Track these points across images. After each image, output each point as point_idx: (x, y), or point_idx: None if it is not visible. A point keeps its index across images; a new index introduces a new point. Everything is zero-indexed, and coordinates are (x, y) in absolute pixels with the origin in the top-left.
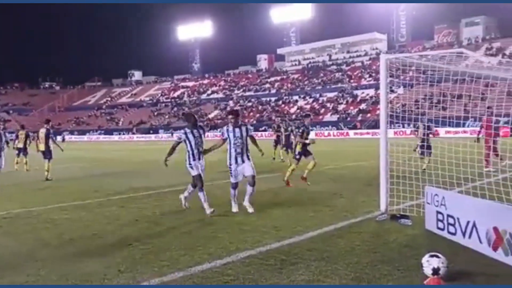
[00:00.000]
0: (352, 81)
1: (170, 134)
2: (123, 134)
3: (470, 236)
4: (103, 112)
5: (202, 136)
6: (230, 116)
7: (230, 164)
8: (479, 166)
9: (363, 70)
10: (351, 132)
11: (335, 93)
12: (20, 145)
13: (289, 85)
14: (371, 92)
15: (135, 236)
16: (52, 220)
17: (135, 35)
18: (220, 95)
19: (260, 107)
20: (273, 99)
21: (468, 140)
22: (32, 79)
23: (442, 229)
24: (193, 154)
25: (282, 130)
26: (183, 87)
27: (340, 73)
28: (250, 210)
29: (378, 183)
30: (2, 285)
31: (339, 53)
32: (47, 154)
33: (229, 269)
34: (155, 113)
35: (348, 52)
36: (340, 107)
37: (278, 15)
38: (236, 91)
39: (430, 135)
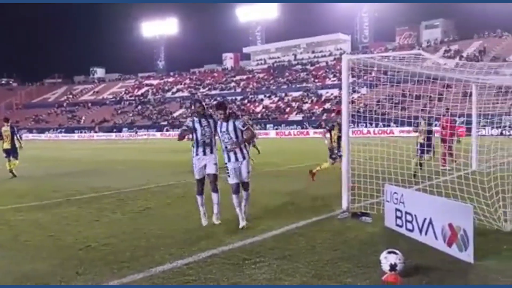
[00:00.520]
0: (316, 80)
1: (134, 133)
2: (85, 132)
3: (426, 233)
4: (64, 110)
5: (212, 127)
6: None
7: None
8: (436, 165)
9: (327, 70)
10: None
11: (300, 93)
12: None
13: (254, 84)
14: (335, 92)
15: (95, 237)
16: (6, 221)
17: (97, 31)
18: (185, 93)
19: None
20: (238, 98)
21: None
22: None
23: (401, 226)
24: (197, 148)
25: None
26: (147, 85)
27: (305, 73)
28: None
29: (340, 181)
30: None
31: (304, 53)
32: (13, 152)
33: (191, 269)
34: (119, 111)
35: (313, 52)
36: (305, 107)
37: (244, 14)
38: (201, 90)
39: (436, 133)
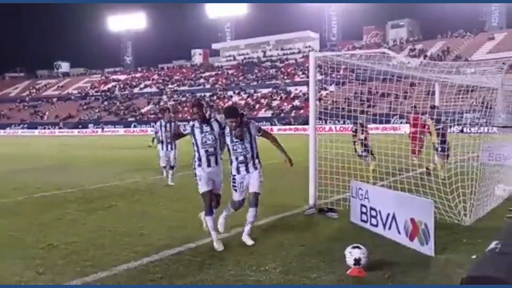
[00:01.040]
0: (286, 77)
1: (101, 129)
2: (49, 128)
3: (390, 228)
4: (26, 105)
5: (215, 134)
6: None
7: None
8: (399, 161)
9: (296, 67)
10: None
11: (270, 89)
12: None
13: (224, 80)
14: (304, 89)
15: (57, 235)
16: None
17: (62, 24)
18: (154, 89)
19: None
20: (207, 94)
21: (394, 136)
22: None
23: (366, 221)
24: (199, 158)
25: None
26: (114, 80)
27: (274, 70)
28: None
29: (308, 178)
30: None
31: (273, 50)
32: None
33: (156, 266)
34: (84, 107)
35: (282, 49)
36: (274, 103)
37: (214, 9)
38: (170, 86)
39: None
